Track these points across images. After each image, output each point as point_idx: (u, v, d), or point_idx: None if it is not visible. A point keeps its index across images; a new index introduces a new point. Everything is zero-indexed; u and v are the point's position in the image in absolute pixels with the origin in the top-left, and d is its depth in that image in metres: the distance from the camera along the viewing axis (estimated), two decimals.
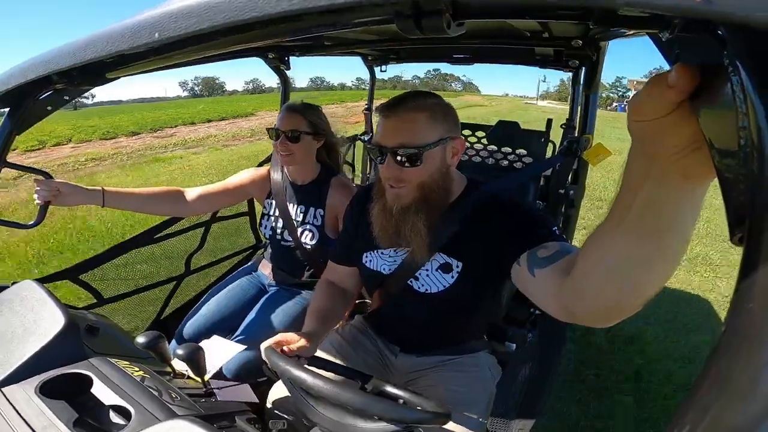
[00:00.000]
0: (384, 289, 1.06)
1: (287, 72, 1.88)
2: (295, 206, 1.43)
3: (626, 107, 0.39)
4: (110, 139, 13.24)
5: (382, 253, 1.01)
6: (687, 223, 0.42)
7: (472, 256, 0.92)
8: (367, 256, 1.04)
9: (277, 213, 1.46)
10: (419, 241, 0.91)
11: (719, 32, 0.27)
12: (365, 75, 2.39)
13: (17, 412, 0.67)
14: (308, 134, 1.35)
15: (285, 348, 0.87)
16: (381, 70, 2.23)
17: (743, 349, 0.23)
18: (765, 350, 0.21)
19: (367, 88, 2.52)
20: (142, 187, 1.36)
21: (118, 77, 0.82)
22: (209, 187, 1.43)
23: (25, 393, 0.70)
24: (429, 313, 1.01)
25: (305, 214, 1.42)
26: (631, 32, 0.95)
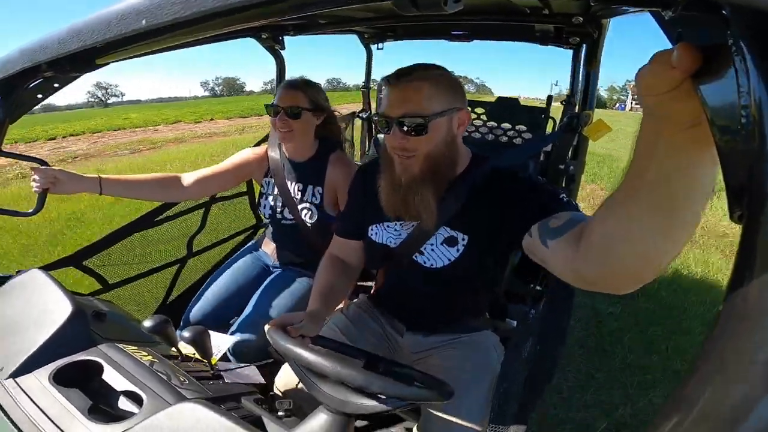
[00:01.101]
0: (389, 263, 1.07)
1: (282, 52, 1.83)
2: (294, 184, 1.42)
3: (625, 107, 0.38)
4: (230, 119, 19.35)
5: (387, 226, 1.02)
6: (702, 191, 0.42)
7: (478, 228, 0.92)
8: (372, 229, 1.04)
9: (276, 191, 1.45)
10: (428, 213, 0.91)
11: (723, 12, 0.26)
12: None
13: (33, 401, 0.68)
14: (308, 110, 1.33)
15: (289, 328, 0.88)
16: (378, 48, 2.18)
17: (741, 328, 0.23)
18: (763, 330, 0.22)
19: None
20: (140, 174, 1.36)
21: (108, 63, 0.81)
22: (206, 171, 1.42)
23: (39, 382, 0.72)
24: (434, 288, 1.02)
25: (303, 192, 1.41)
26: (633, 10, 0.92)
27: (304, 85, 1.35)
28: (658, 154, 0.40)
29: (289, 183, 1.43)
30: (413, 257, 0.98)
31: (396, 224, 1.00)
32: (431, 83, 0.85)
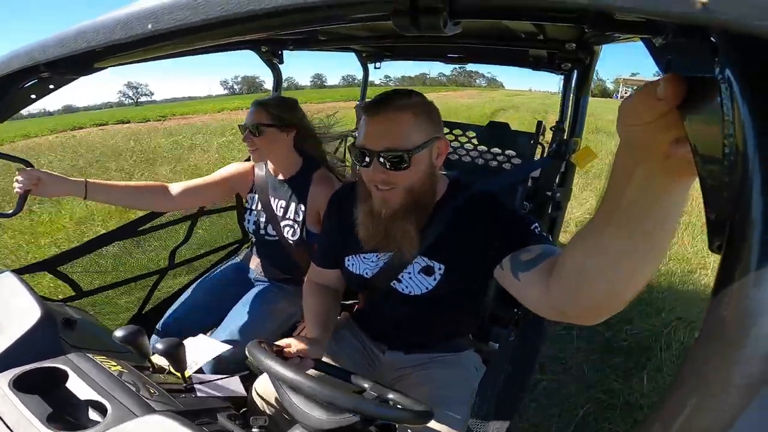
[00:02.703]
0: (367, 291, 1.06)
1: (281, 66, 1.85)
2: (277, 201, 1.41)
3: (618, 96, 0.39)
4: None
5: (364, 257, 1.00)
6: (673, 220, 0.43)
7: (455, 257, 0.91)
8: (349, 260, 1.03)
9: (259, 207, 1.44)
10: (410, 245, 0.90)
11: (712, 39, 0.27)
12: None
13: None
14: (270, 126, 1.30)
15: (287, 349, 0.87)
16: (375, 67, 2.22)
17: (717, 353, 0.24)
18: (736, 354, 0.22)
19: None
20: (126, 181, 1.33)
21: (106, 67, 0.80)
22: (193, 182, 1.40)
23: None
24: (413, 314, 1.01)
25: (286, 209, 1.40)
26: (625, 37, 0.96)
27: (269, 103, 1.34)
28: (634, 182, 0.41)
29: (272, 200, 1.42)
30: (391, 284, 0.98)
31: (372, 255, 0.99)
32: (412, 114, 0.82)
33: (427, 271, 0.93)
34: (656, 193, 0.41)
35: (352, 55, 2.21)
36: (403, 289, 0.96)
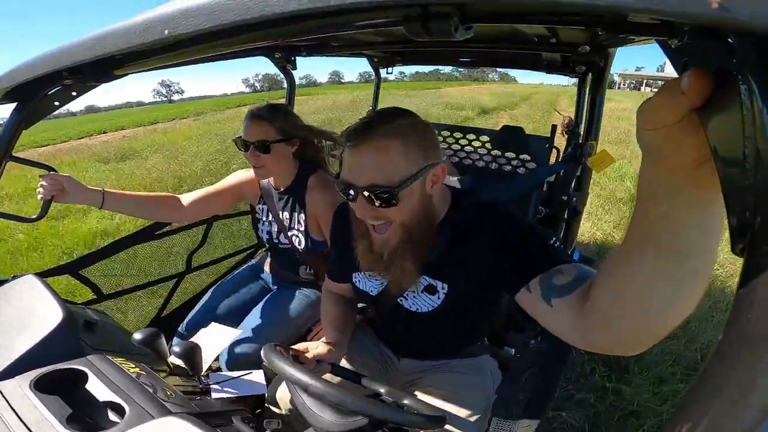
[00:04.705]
0: (375, 306, 1.06)
1: (294, 71, 1.88)
2: (281, 212, 1.40)
3: (616, 87, 0.38)
4: None
5: (369, 274, 0.99)
6: (709, 238, 0.40)
7: (458, 276, 0.87)
8: (355, 277, 1.03)
9: (270, 218, 1.44)
10: (408, 281, 0.87)
11: (729, 40, 0.27)
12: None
13: (10, 406, 0.67)
14: (279, 142, 1.25)
15: (304, 355, 0.87)
16: (387, 72, 2.23)
17: (740, 357, 0.23)
18: (760, 360, 0.22)
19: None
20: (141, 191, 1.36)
21: (127, 74, 0.83)
22: (202, 192, 1.41)
23: (20, 388, 0.70)
24: (422, 329, 1.00)
25: (291, 219, 1.39)
26: (640, 39, 0.94)
27: (270, 114, 1.25)
28: (661, 198, 0.38)
29: (279, 210, 1.41)
30: (398, 301, 0.96)
31: (376, 274, 0.97)
32: (399, 143, 0.73)
33: (430, 290, 0.90)
34: (684, 208, 0.38)
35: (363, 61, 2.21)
36: (409, 306, 0.95)
